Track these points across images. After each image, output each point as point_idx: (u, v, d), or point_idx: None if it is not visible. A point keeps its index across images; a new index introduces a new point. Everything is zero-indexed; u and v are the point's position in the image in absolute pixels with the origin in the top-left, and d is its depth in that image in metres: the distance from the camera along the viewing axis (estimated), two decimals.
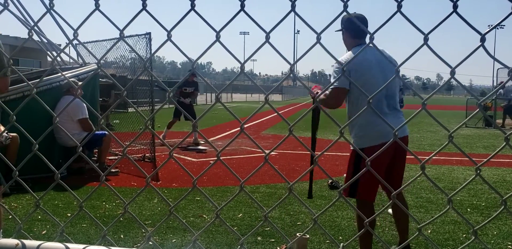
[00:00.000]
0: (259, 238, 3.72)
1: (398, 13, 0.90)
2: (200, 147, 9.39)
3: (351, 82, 2.98)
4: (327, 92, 3.08)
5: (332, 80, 3.10)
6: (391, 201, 0.99)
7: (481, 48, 0.85)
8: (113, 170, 6.40)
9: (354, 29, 3.22)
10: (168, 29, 0.99)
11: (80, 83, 5.70)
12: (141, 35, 7.10)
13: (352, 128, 3.16)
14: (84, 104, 6.11)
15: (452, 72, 0.86)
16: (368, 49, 3.12)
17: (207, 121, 15.80)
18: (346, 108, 3.25)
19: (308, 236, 3.64)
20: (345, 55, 3.20)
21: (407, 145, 3.19)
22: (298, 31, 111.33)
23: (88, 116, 6.21)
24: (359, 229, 3.29)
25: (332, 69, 3.19)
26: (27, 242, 1.03)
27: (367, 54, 3.09)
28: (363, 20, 3.14)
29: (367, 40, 0.85)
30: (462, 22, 0.87)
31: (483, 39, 0.83)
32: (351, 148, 3.28)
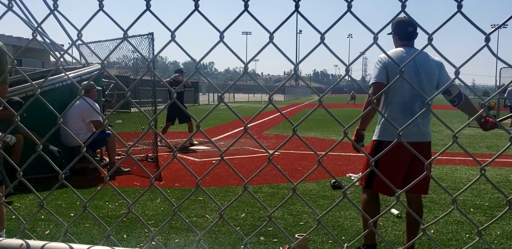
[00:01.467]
0: (262, 238, 3.72)
1: (402, 13, 0.90)
2: (193, 147, 9.38)
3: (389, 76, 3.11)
4: (371, 89, 3.19)
5: (372, 73, 3.24)
6: (395, 202, 0.98)
7: (485, 48, 0.85)
8: (125, 169, 6.43)
9: (400, 32, 3.34)
10: (171, 29, 0.99)
11: (85, 84, 5.74)
12: (143, 35, 7.11)
13: (380, 121, 3.28)
14: (98, 106, 6.22)
15: (457, 72, 0.85)
16: (412, 51, 3.23)
17: (210, 121, 15.81)
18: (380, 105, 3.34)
19: (307, 236, 3.63)
20: (388, 51, 3.29)
21: (429, 150, 3.27)
22: (301, 31, 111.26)
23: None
24: (362, 216, 3.43)
25: (373, 63, 3.34)
26: (32, 242, 1.03)
27: (408, 56, 3.19)
28: (410, 23, 3.26)
29: (423, 42, 0.85)
30: (464, 23, 0.87)
31: (487, 39, 0.83)
32: (373, 139, 3.36)
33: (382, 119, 3.24)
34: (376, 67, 3.21)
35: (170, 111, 9.91)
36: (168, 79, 10.30)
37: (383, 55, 3.21)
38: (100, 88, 6.60)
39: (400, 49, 3.28)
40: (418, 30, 3.29)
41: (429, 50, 3.52)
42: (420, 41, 3.23)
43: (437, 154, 0.97)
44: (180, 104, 1.30)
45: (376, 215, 3.31)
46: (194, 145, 9.67)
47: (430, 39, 0.87)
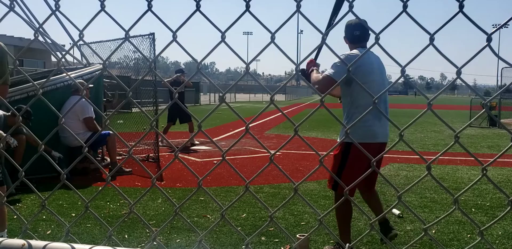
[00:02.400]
0: (263, 238, 3.72)
1: (404, 13, 0.89)
2: (194, 147, 9.38)
3: (353, 79, 3.11)
4: (319, 76, 3.25)
5: (329, 69, 3.22)
6: (396, 202, 0.98)
7: (486, 48, 0.85)
8: (126, 170, 6.43)
9: (349, 36, 3.38)
10: (172, 29, 0.99)
11: (87, 84, 5.74)
12: (144, 35, 7.12)
13: (347, 123, 3.30)
14: (89, 104, 6.18)
15: (458, 72, 0.85)
16: (371, 53, 3.28)
17: (211, 121, 15.81)
18: (342, 104, 3.41)
19: (308, 237, 3.63)
20: (350, 51, 3.30)
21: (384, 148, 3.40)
22: (302, 31, 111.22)
23: (94, 116, 6.26)
24: (337, 219, 3.47)
25: (334, 61, 3.29)
26: (33, 242, 1.03)
27: (370, 57, 3.26)
28: (358, 26, 3.28)
29: (425, 42, 0.85)
30: (465, 23, 0.87)
31: (489, 39, 0.82)
32: (338, 141, 3.42)
33: (348, 121, 3.27)
34: (337, 64, 3.18)
35: (171, 112, 9.89)
36: (169, 79, 10.30)
37: (350, 55, 3.26)
38: (92, 85, 6.56)
39: (356, 50, 3.29)
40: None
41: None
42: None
43: (439, 154, 0.97)
44: (181, 104, 1.30)
45: (348, 217, 3.44)
46: (195, 145, 9.68)
47: (431, 39, 0.87)
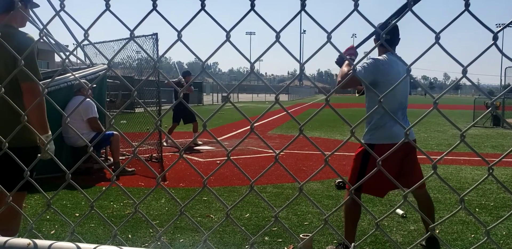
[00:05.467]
0: (266, 238, 3.72)
1: (409, 12, 0.89)
2: (198, 147, 9.39)
3: (378, 85, 3.14)
4: (346, 70, 3.20)
5: (359, 67, 3.18)
6: (402, 201, 0.98)
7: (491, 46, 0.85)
8: (129, 169, 6.44)
9: (379, 39, 3.32)
10: (177, 29, 0.99)
11: (90, 84, 5.75)
12: (148, 36, 7.12)
13: (368, 124, 3.33)
14: (94, 104, 6.19)
15: (464, 71, 0.85)
16: (398, 59, 3.28)
17: (214, 121, 15.82)
18: (365, 104, 3.42)
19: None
20: (381, 55, 3.32)
21: (415, 147, 3.32)
22: (304, 31, 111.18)
23: (97, 116, 6.27)
24: (345, 219, 3.45)
25: (365, 60, 3.30)
26: (39, 242, 1.03)
27: (399, 65, 3.24)
28: (393, 29, 3.29)
29: (430, 42, 0.85)
30: (468, 22, 0.87)
31: (495, 37, 0.82)
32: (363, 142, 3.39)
33: (372, 124, 3.28)
34: (368, 64, 3.18)
35: (176, 112, 9.90)
36: (175, 79, 10.28)
37: (380, 57, 3.27)
38: (95, 85, 6.58)
39: (385, 55, 3.28)
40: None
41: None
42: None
43: (445, 153, 0.97)
44: (187, 105, 1.30)
45: (357, 217, 3.43)
46: (198, 145, 9.68)
47: (437, 38, 0.86)
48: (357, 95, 3.71)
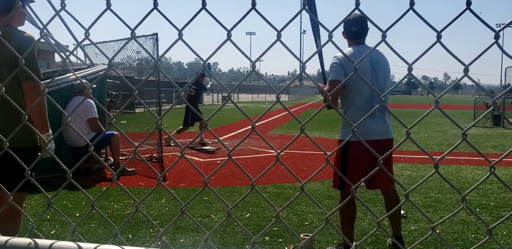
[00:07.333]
0: (267, 238, 3.72)
1: (411, 11, 0.89)
2: (206, 147, 9.39)
3: (347, 77, 3.13)
4: (328, 86, 3.24)
5: (331, 73, 3.23)
6: (403, 201, 0.98)
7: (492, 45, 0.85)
8: (129, 169, 6.44)
9: (347, 32, 3.36)
10: (178, 28, 0.99)
11: (90, 84, 5.76)
12: (148, 36, 7.13)
13: (342, 123, 3.34)
14: (94, 105, 6.19)
15: (466, 70, 0.85)
16: (365, 49, 3.26)
17: (214, 121, 15.81)
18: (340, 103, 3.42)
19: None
20: (346, 49, 3.34)
21: (391, 147, 3.35)
22: (305, 31, 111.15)
23: (97, 116, 6.27)
24: (340, 219, 3.46)
25: (329, 64, 3.31)
26: (40, 241, 1.03)
27: (360, 54, 3.20)
28: (355, 22, 3.28)
29: (432, 40, 0.84)
30: (468, 24, 0.87)
31: (497, 36, 0.82)
32: (339, 139, 3.48)
33: (343, 121, 3.28)
34: (333, 66, 3.21)
35: (187, 115, 9.80)
36: (196, 76, 10.03)
37: (339, 54, 3.24)
38: (95, 86, 6.58)
39: (350, 48, 3.29)
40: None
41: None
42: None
43: (446, 152, 0.96)
44: (188, 104, 1.31)
45: (353, 217, 3.43)
46: (206, 144, 9.65)
47: (439, 37, 0.86)
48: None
